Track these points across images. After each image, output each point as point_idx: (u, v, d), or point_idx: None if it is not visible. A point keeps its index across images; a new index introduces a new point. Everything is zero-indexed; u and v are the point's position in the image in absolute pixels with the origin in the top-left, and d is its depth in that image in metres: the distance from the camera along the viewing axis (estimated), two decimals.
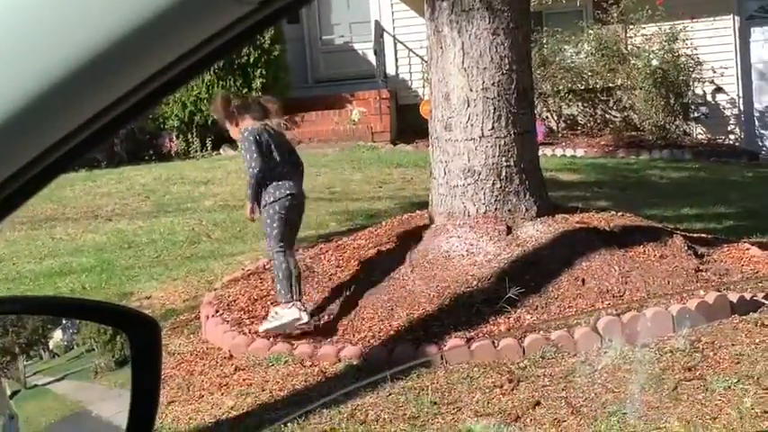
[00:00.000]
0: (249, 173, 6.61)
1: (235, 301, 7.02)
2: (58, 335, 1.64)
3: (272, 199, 6.60)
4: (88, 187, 12.21)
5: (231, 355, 6.32)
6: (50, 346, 1.64)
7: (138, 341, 1.28)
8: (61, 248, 9.59)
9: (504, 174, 7.05)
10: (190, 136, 15.42)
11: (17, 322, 1.58)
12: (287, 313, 6.41)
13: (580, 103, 15.90)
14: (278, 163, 6.66)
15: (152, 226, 9.92)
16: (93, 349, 1.56)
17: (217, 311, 6.88)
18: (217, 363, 6.26)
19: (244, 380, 5.94)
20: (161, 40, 0.80)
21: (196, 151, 15.33)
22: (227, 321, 6.69)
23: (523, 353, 5.86)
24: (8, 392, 1.64)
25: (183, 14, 0.78)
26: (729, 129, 16.41)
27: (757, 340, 5.77)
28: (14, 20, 0.76)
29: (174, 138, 15.57)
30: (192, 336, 6.77)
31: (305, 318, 6.39)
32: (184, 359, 6.37)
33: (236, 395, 5.76)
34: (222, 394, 5.79)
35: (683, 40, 15.61)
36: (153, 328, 1.29)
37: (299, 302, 6.43)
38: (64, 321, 1.59)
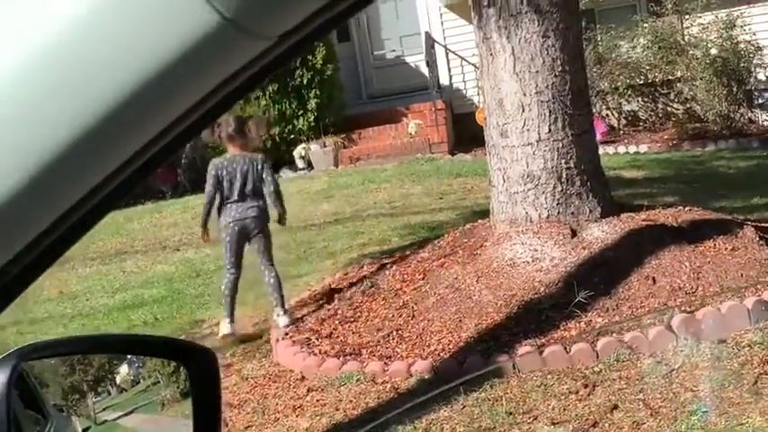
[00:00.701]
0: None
1: (303, 321, 7.08)
2: (124, 370, 1.68)
3: (221, 225, 7.51)
4: (155, 219, 12.37)
5: (303, 377, 6.36)
6: (117, 382, 1.68)
7: (197, 372, 1.31)
8: (132, 281, 9.72)
9: (564, 176, 7.03)
10: None
11: (84, 360, 1.62)
12: (222, 327, 7.45)
13: (640, 99, 15.78)
14: (230, 192, 7.44)
15: (218, 253, 10.00)
16: (159, 382, 1.60)
17: (286, 334, 6.94)
18: (289, 385, 6.31)
19: (317, 400, 5.97)
20: (183, 82, 0.81)
21: None
22: (297, 343, 6.74)
23: (597, 357, 5.82)
24: (79, 430, 1.68)
25: (202, 56, 0.79)
26: None
27: None
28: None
29: None
30: (263, 359, 6.83)
31: (225, 330, 7.43)
32: (258, 383, 6.42)
33: (310, 416, 5.79)
34: (297, 416, 5.83)
35: (741, 27, 15.43)
36: (209, 357, 1.32)
37: (227, 319, 7.43)
38: (129, 357, 1.63)
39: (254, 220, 7.42)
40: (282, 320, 7.24)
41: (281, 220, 7.77)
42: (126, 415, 1.69)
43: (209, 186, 7.61)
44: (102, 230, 12.22)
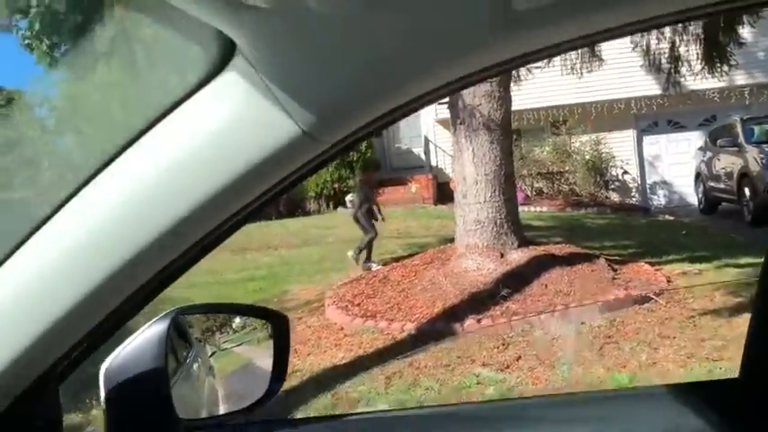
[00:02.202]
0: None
1: (344, 296, 7.04)
2: (238, 320, 1.64)
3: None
4: (264, 230, 12.34)
5: (342, 328, 6.31)
6: (233, 327, 1.64)
7: (275, 327, 1.28)
8: (248, 266, 9.67)
9: (498, 222, 6.98)
10: (321, 200, 15.52)
11: (215, 315, 1.60)
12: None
13: (544, 181, 15.69)
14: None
15: (299, 252, 9.99)
16: (256, 328, 1.56)
17: (334, 302, 6.90)
18: (333, 332, 6.25)
19: (349, 342, 5.91)
20: (264, 177, 0.75)
21: (324, 210, 15.43)
22: (339, 308, 6.70)
23: (511, 328, 5.76)
24: (209, 352, 1.65)
25: (282, 157, 0.74)
26: (632, 194, 16.07)
27: (649, 320, 5.60)
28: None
29: (312, 201, 15.68)
30: (320, 316, 6.77)
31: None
32: (315, 330, 6.36)
33: (344, 350, 5.74)
34: (336, 349, 5.78)
35: (604, 143, 15.39)
36: (284, 319, 1.28)
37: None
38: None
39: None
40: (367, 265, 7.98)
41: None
42: (237, 346, 1.64)
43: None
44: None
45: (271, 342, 1.33)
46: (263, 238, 11.72)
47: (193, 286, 8.53)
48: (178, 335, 1.61)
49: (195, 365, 1.68)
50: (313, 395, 4.94)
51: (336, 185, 15.11)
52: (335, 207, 15.51)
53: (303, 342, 5.99)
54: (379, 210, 8.75)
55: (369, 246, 8.32)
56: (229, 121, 0.72)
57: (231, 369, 1.76)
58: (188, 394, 1.60)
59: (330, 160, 0.82)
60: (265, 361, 1.36)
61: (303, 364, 5.40)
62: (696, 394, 0.99)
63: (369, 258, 8.30)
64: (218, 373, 1.72)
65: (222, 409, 1.64)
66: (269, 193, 0.79)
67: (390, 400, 4.71)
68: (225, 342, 1.67)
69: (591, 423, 1.03)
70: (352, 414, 1.13)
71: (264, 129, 0.73)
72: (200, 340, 1.72)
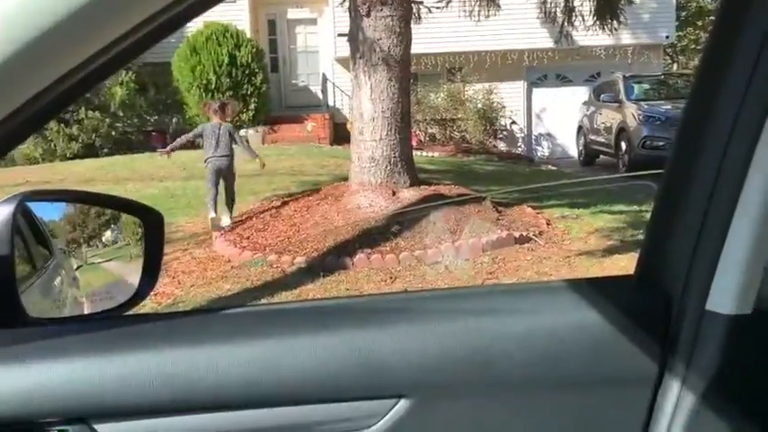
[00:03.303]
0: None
1: (233, 229, 6.83)
2: (108, 233, 1.49)
3: (206, 166, 7.17)
4: (150, 161, 11.75)
5: (229, 260, 6.13)
6: (103, 240, 1.48)
7: (149, 226, 1.14)
8: (131, 196, 9.16)
9: (392, 161, 6.95)
10: None
11: (83, 222, 1.43)
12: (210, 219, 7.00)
13: (437, 126, 15.84)
14: (212, 146, 7.10)
15: (186, 185, 9.59)
16: (129, 243, 1.40)
17: (222, 234, 6.68)
18: (220, 265, 6.06)
19: (236, 274, 5.75)
20: (100, 22, 0.65)
21: None
22: (227, 240, 6.50)
23: (399, 262, 5.80)
24: (74, 266, 1.49)
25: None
26: (518, 144, 16.55)
27: (528, 258, 5.79)
28: None
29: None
30: (207, 248, 6.56)
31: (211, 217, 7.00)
32: (201, 262, 6.15)
33: (231, 282, 5.58)
34: (223, 282, 5.62)
35: (496, 93, 15.67)
36: (158, 217, 1.15)
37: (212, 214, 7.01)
38: (113, 226, 1.44)
39: (225, 164, 7.15)
40: (225, 222, 6.98)
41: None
42: (105, 262, 1.48)
43: (191, 135, 7.53)
44: (115, 165, 11.57)
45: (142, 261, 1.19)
46: (149, 169, 11.18)
47: None
48: (35, 237, 1.43)
49: (56, 274, 1.52)
50: None
51: (230, 121, 14.60)
52: None
53: (187, 273, 5.78)
54: (248, 146, 7.74)
55: (230, 197, 7.22)
56: None
57: (98, 284, 1.60)
58: (45, 300, 1.44)
59: (173, 26, 0.71)
60: (137, 278, 1.22)
61: (186, 295, 5.20)
62: (593, 290, 1.00)
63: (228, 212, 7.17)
64: (82, 287, 1.56)
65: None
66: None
67: None
68: (93, 256, 1.51)
69: (489, 314, 0.99)
70: (227, 308, 1.04)
71: None
72: (65, 251, 1.55)
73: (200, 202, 8.43)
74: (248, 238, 6.50)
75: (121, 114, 14.72)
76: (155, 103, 15.27)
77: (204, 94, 13.59)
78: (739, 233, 0.91)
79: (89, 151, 13.75)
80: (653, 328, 0.97)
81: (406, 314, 0.97)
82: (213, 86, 14.00)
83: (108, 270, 1.57)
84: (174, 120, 15.11)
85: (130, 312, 1.11)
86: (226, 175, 7.20)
